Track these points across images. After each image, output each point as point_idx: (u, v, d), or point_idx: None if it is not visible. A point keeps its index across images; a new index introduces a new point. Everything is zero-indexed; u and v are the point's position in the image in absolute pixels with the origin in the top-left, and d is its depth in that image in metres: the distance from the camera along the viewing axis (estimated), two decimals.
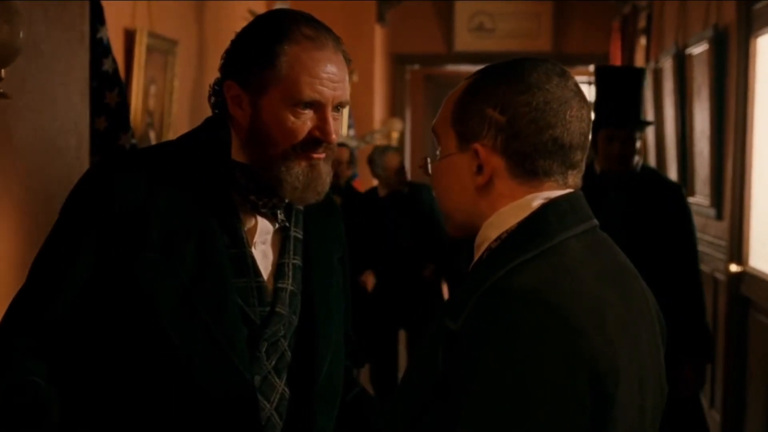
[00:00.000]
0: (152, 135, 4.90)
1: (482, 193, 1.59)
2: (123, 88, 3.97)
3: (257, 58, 1.88)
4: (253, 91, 1.89)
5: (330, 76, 1.90)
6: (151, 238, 1.84)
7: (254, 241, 1.96)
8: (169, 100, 5.15)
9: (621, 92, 4.30)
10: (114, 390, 1.88)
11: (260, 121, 1.89)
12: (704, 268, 6.00)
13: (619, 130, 4.20)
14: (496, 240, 1.57)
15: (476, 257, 1.61)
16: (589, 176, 3.82)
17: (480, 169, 1.58)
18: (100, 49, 3.79)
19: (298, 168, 1.90)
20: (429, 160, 1.72)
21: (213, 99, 1.98)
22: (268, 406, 1.95)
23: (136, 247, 1.83)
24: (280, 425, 1.97)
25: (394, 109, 11.08)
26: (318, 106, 1.89)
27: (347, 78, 1.95)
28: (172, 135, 5.09)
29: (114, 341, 1.86)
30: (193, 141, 1.97)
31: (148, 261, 1.83)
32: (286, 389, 1.98)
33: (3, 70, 2.40)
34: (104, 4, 3.81)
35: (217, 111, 1.98)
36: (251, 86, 1.89)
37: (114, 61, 3.89)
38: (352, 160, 7.38)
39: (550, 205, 1.56)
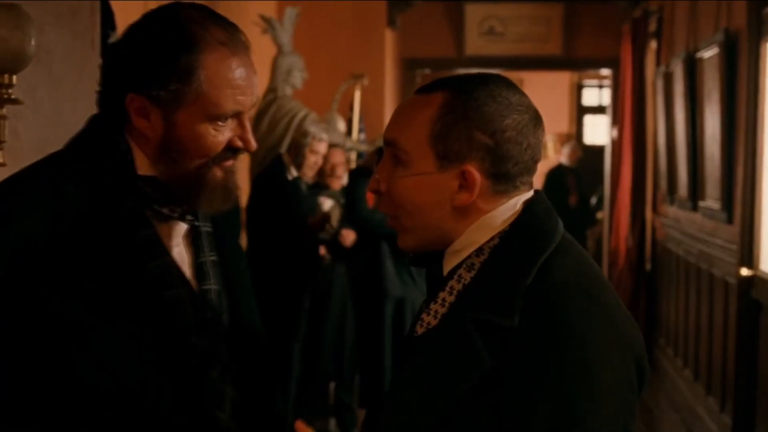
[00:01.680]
0: None
1: (461, 210, 1.62)
2: None
3: (170, 73, 1.74)
4: (166, 106, 1.75)
5: (246, 82, 1.79)
6: (63, 264, 1.69)
7: (169, 245, 1.84)
8: None
9: None
10: (58, 423, 1.72)
11: (174, 135, 1.77)
12: (715, 272, 6.00)
13: None
14: (488, 241, 1.61)
15: (455, 261, 1.64)
16: None
17: (462, 187, 1.61)
18: None
19: (215, 180, 1.80)
20: (380, 177, 1.68)
21: (102, 104, 1.84)
22: (222, 415, 1.85)
23: (48, 278, 1.68)
24: None
25: None
26: (237, 115, 1.80)
27: (257, 75, 1.83)
28: None
29: (48, 376, 1.70)
30: (92, 154, 1.80)
31: (66, 290, 1.68)
32: (237, 394, 1.91)
33: (14, 77, 2.41)
34: (115, 9, 3.82)
35: (106, 116, 1.83)
36: (163, 101, 1.75)
37: None
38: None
39: (532, 204, 1.64)
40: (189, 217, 1.87)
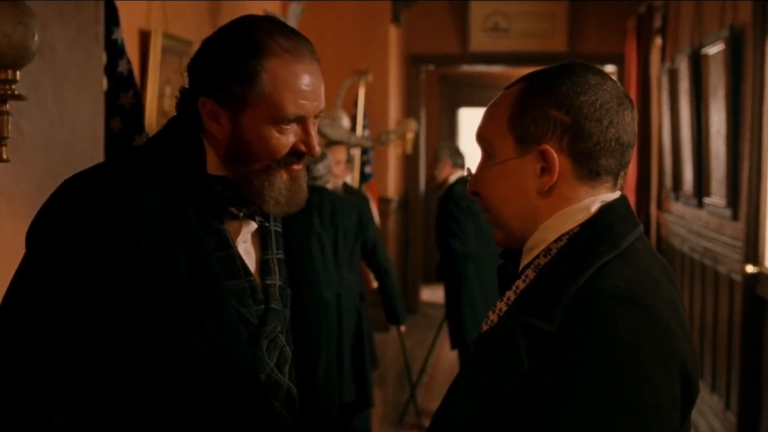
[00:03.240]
0: None
1: (544, 195, 1.60)
2: (137, 89, 3.98)
3: (235, 77, 1.83)
4: (233, 109, 1.84)
5: (311, 88, 1.86)
6: (139, 249, 1.77)
7: (236, 240, 1.93)
8: None
9: None
10: (121, 407, 1.81)
11: (241, 137, 1.85)
12: (720, 269, 5.98)
13: None
14: (556, 241, 1.59)
15: (528, 259, 1.63)
16: None
17: (544, 170, 1.59)
18: (114, 51, 3.80)
19: (281, 182, 1.88)
20: (471, 170, 1.70)
21: (181, 108, 1.92)
22: (276, 404, 1.94)
23: (124, 261, 1.76)
24: (290, 421, 1.96)
25: (409, 110, 11.07)
26: (300, 120, 1.86)
27: (323, 85, 1.91)
28: None
29: (115, 359, 1.80)
30: (170, 153, 1.89)
31: (139, 273, 1.77)
32: (291, 385, 1.98)
33: (18, 72, 2.40)
34: (119, 5, 3.82)
35: (185, 118, 1.91)
36: (230, 104, 1.84)
37: (129, 62, 3.90)
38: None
39: (609, 208, 1.59)
40: (258, 218, 1.95)
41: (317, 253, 5.29)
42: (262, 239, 2.00)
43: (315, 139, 1.88)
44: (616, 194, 1.62)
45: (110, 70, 3.78)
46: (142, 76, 4.64)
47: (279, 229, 2.04)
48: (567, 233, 1.58)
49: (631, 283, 1.49)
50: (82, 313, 1.77)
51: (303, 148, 1.87)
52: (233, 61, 1.83)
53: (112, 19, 3.75)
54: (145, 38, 4.66)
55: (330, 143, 6.73)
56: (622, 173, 1.63)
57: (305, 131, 1.87)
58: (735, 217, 5.71)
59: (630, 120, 1.61)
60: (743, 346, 5.46)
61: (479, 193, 1.68)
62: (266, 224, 1.99)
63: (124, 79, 3.87)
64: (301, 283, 2.05)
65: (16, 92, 2.41)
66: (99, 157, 3.34)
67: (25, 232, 1.87)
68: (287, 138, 1.86)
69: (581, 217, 1.58)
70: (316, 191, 5.34)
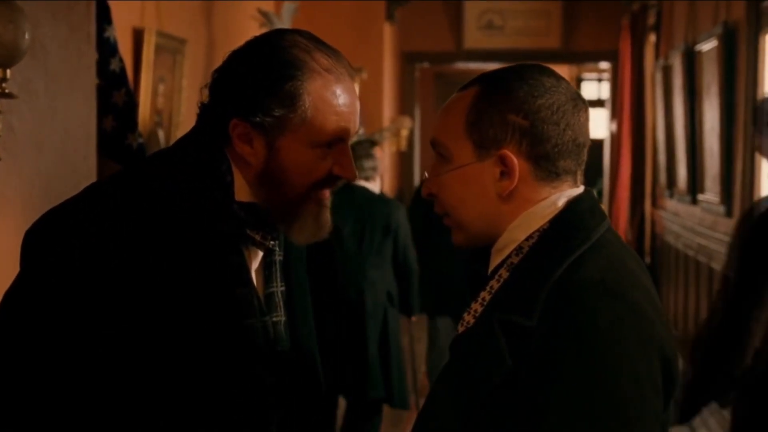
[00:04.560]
0: (161, 134, 4.91)
1: (506, 198, 1.60)
2: (130, 88, 3.98)
3: (273, 100, 1.70)
4: (269, 133, 1.71)
5: (351, 109, 1.76)
6: (152, 280, 1.63)
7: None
8: (178, 100, 5.16)
9: None
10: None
11: (277, 163, 1.73)
12: (714, 265, 5.99)
13: None
14: (527, 239, 1.59)
15: (498, 259, 1.63)
16: None
17: (503, 174, 1.59)
18: (107, 49, 3.79)
19: (309, 210, 1.76)
20: (427, 174, 1.70)
21: (202, 125, 1.79)
22: None
23: (134, 298, 1.62)
24: None
25: (404, 107, 11.07)
26: (339, 142, 1.76)
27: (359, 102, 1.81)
28: (180, 134, 5.08)
29: (117, 390, 1.64)
30: (195, 178, 1.74)
31: (150, 307, 1.63)
32: (282, 420, 1.84)
33: (8, 71, 2.40)
34: (112, 3, 3.81)
35: (208, 137, 1.77)
36: (265, 127, 1.71)
37: (121, 60, 3.89)
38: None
39: (578, 201, 1.61)
40: (272, 243, 1.82)
41: (336, 246, 5.18)
42: (265, 269, 1.84)
43: (352, 161, 1.77)
44: (580, 189, 1.64)
45: (102, 68, 3.77)
46: (136, 74, 4.63)
47: (281, 258, 1.87)
48: (537, 230, 1.59)
49: (605, 273, 1.51)
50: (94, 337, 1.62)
51: (340, 171, 1.76)
52: (270, 82, 1.71)
53: (104, 17, 3.74)
54: (138, 36, 4.65)
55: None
56: (580, 170, 1.65)
57: (343, 153, 1.76)
58: (729, 213, 5.71)
59: (584, 120, 1.63)
60: None
61: (436, 196, 1.67)
62: (275, 249, 1.84)
63: (117, 78, 3.86)
64: (296, 317, 1.90)
65: (6, 90, 2.41)
66: (92, 155, 3.34)
67: (17, 231, 1.84)
68: (325, 162, 1.74)
69: (549, 213, 1.59)
70: (348, 185, 5.24)
